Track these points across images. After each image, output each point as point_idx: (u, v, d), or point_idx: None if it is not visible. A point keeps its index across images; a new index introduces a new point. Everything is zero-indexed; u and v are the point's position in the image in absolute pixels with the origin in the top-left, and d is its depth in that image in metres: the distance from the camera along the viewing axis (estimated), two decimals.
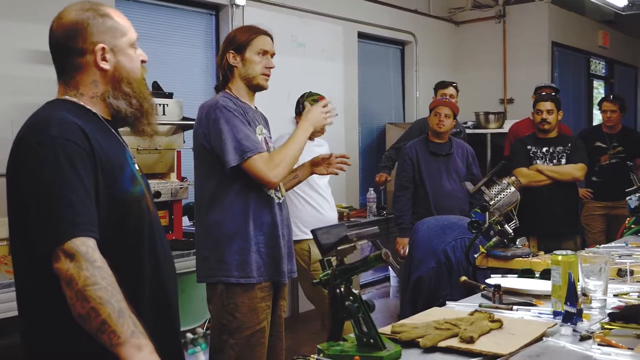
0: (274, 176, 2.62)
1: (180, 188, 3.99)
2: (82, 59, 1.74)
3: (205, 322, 3.58)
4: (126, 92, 1.78)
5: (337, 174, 3.14)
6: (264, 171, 2.61)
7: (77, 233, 1.56)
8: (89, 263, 1.54)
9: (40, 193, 1.59)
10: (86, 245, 1.56)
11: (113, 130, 1.80)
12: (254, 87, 2.78)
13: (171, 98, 4.05)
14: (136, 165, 1.84)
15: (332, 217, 4.25)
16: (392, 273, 7.14)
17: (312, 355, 1.70)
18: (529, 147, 4.83)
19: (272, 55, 2.79)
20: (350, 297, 1.74)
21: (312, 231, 1.81)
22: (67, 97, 1.77)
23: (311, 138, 4.29)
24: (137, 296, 1.68)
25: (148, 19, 4.95)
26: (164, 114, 3.92)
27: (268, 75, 2.77)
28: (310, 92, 4.37)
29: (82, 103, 1.76)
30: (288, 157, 2.66)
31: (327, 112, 2.74)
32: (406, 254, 4.36)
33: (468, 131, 6.23)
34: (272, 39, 2.80)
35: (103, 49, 1.74)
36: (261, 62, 2.74)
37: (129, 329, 1.51)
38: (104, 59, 1.75)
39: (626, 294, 2.34)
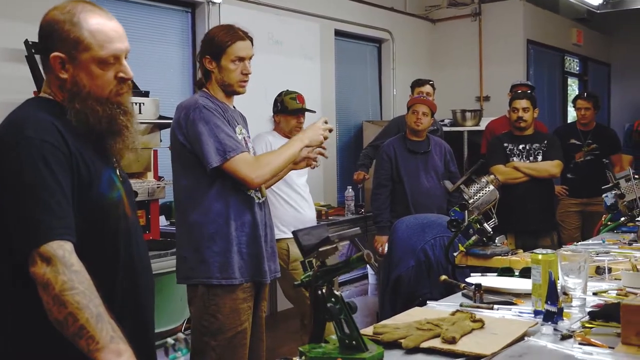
0: (256, 177, 2.59)
1: (157, 187, 3.95)
2: (49, 60, 1.70)
3: (183, 323, 3.55)
4: (78, 109, 1.69)
5: (314, 165, 3.07)
6: (246, 171, 2.58)
7: (54, 236, 1.53)
8: (66, 267, 1.51)
9: (18, 196, 1.56)
10: (63, 249, 1.53)
11: None
12: (230, 93, 2.76)
13: (147, 96, 4.01)
14: (118, 171, 1.82)
15: (310, 216, 4.23)
16: (370, 271, 7.15)
17: (294, 358, 1.68)
18: (505, 144, 4.85)
19: (251, 58, 2.73)
20: (332, 299, 1.72)
21: (293, 232, 1.79)
22: (44, 94, 1.75)
23: (288, 136, 4.30)
24: (111, 301, 1.64)
25: (123, 16, 4.89)
26: (140, 112, 3.86)
27: (245, 82, 2.73)
28: (287, 90, 4.35)
29: (58, 100, 1.72)
30: (276, 162, 2.64)
31: (325, 130, 2.71)
32: (385, 252, 4.37)
33: (445, 129, 6.25)
34: (251, 41, 2.74)
35: (58, 57, 1.68)
36: (237, 69, 2.68)
37: (107, 334, 1.49)
38: (63, 67, 1.69)
39: (605, 292, 2.36)
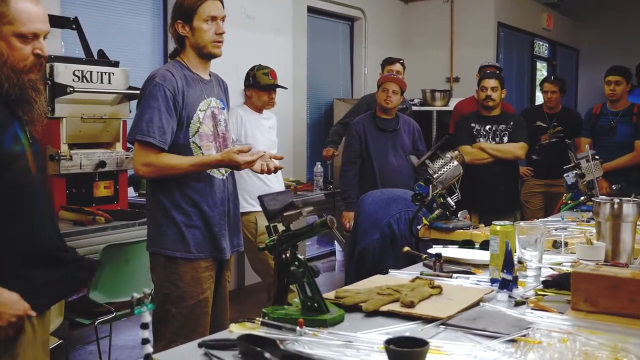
0: (141, 170, 2.63)
1: (126, 158, 3.94)
2: None
3: (150, 292, 3.58)
4: None
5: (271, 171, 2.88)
6: (136, 159, 2.63)
7: None
8: None
9: None
10: None
11: None
12: (206, 56, 2.73)
13: (117, 67, 3.99)
14: (27, 133, 1.98)
15: (278, 188, 4.27)
16: (337, 247, 7.23)
17: (257, 319, 1.73)
18: (472, 124, 4.93)
19: (223, 18, 2.72)
20: (296, 263, 1.78)
21: (259, 197, 1.83)
22: None
23: (259, 111, 4.33)
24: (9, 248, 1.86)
25: None
26: (109, 82, 3.86)
27: (220, 42, 2.70)
28: (260, 64, 4.37)
29: None
30: (174, 170, 2.62)
31: (247, 163, 2.60)
32: (352, 227, 4.43)
33: (414, 108, 6.31)
34: (221, 2, 2.74)
35: None
36: (210, 29, 2.67)
37: None
38: None
39: (560, 264, 2.44)
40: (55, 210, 2.14)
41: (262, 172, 2.81)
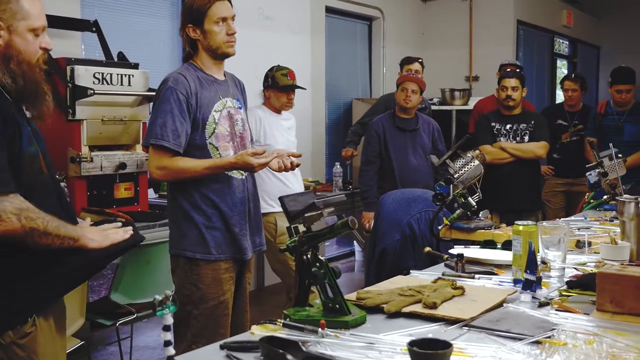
0: (156, 173, 2.65)
1: (146, 160, 3.95)
2: None
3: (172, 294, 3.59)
4: (12, 70, 1.90)
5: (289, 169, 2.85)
6: (151, 163, 2.65)
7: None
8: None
9: None
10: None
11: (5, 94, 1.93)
12: (220, 56, 2.74)
13: (137, 69, 4.00)
14: (36, 131, 2.00)
15: (297, 189, 4.26)
16: (357, 247, 7.21)
17: (278, 320, 1.73)
18: (493, 124, 4.89)
19: (233, 17, 2.71)
20: (317, 264, 1.77)
21: (280, 198, 1.83)
22: None
23: (278, 112, 4.33)
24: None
25: None
26: (129, 84, 3.87)
27: (233, 42, 2.71)
28: (279, 65, 4.36)
29: None
30: (188, 173, 2.63)
31: (261, 165, 2.61)
32: (372, 227, 4.41)
33: (433, 107, 6.28)
34: (229, 1, 2.73)
35: None
36: (222, 31, 2.67)
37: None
38: None
39: (584, 264, 2.41)
40: (73, 209, 2.15)
41: (279, 170, 2.78)
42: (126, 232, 2.06)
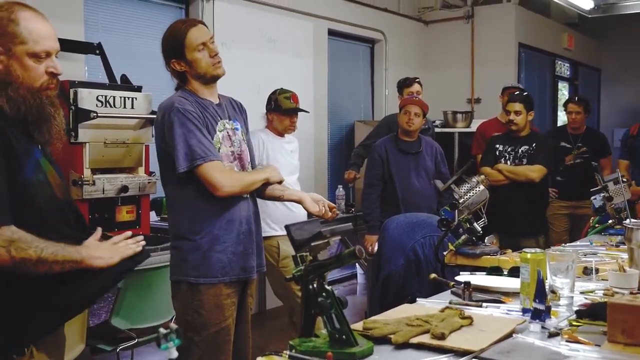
0: (227, 186, 2.58)
1: (148, 182, 3.94)
2: None
3: (172, 318, 3.55)
4: (11, 96, 1.85)
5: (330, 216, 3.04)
6: (216, 179, 2.57)
7: None
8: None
9: None
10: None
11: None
12: (210, 80, 2.72)
13: (140, 91, 4.00)
14: (45, 155, 1.96)
15: (301, 214, 4.21)
16: (359, 270, 7.17)
17: (284, 352, 1.69)
18: (497, 145, 4.87)
19: (212, 39, 2.69)
20: (323, 294, 1.74)
21: (286, 227, 1.80)
22: None
23: (281, 135, 4.31)
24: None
25: (117, 11, 4.88)
26: (132, 107, 3.86)
27: (218, 62, 2.69)
28: (282, 88, 4.36)
29: None
30: (245, 180, 2.67)
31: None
32: (374, 251, 4.38)
33: (436, 130, 6.26)
34: (204, 24, 2.71)
35: None
36: (205, 56, 2.65)
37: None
38: None
39: (592, 292, 2.38)
40: (89, 231, 2.10)
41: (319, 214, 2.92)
42: (138, 244, 2.02)
